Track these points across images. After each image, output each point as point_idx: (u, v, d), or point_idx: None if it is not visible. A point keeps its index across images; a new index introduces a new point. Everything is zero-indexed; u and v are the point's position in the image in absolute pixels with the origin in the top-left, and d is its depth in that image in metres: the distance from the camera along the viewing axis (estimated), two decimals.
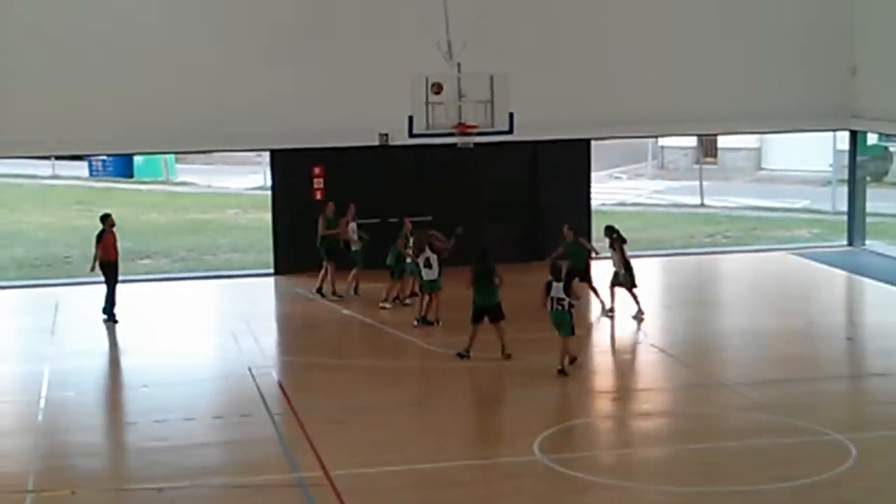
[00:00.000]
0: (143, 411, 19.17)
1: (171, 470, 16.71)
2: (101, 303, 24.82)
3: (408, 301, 25.39)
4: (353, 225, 26.38)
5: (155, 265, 32.61)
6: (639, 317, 24.17)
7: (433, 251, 23.68)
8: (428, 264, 23.75)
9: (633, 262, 24.85)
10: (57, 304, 26.65)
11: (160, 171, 49.63)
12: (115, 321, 24.59)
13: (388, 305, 25.41)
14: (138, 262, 33.08)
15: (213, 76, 27.82)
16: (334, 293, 26.40)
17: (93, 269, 24.84)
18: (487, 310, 21.55)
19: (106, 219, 25.07)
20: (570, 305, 20.52)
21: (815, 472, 16.03)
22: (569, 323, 20.60)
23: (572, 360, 20.78)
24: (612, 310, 24.58)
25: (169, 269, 31.51)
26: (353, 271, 26.42)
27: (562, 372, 20.49)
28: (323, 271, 26.60)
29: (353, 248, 26.36)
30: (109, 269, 24.82)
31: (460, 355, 21.56)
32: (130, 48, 27.54)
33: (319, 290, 26.57)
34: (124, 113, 27.46)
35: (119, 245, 25.22)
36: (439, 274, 23.66)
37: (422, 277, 23.86)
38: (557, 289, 20.51)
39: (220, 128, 27.95)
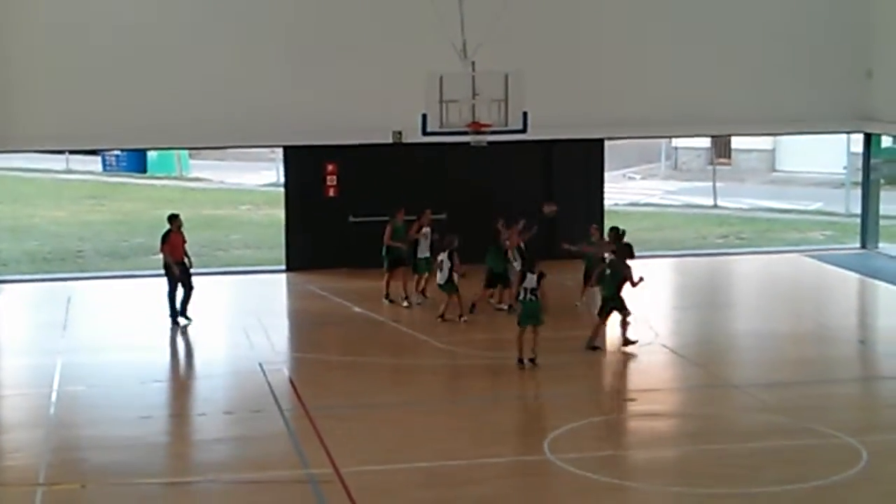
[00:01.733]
0: (155, 406, 19.21)
1: (181, 465, 16.75)
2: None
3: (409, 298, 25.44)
4: (426, 230, 25.58)
5: None
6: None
7: (448, 257, 24.01)
8: (440, 267, 23.92)
9: (645, 262, 24.74)
10: (69, 297, 26.72)
11: (174, 167, 49.72)
12: (189, 319, 24.05)
13: (412, 300, 25.46)
14: (151, 258, 33.15)
15: (227, 72, 27.87)
16: (406, 299, 25.48)
17: (175, 272, 23.93)
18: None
19: (173, 220, 24.36)
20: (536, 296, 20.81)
21: (826, 474, 16.00)
22: (539, 314, 20.77)
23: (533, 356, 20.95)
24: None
25: None
26: (419, 277, 25.85)
27: (533, 361, 20.84)
28: (387, 277, 25.61)
29: (421, 256, 25.53)
30: (184, 269, 24.15)
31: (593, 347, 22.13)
32: (146, 44, 27.61)
33: (387, 297, 25.64)
34: (138, 108, 27.52)
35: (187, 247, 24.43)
36: (448, 280, 23.96)
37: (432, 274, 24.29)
38: (531, 280, 20.73)
39: (233, 124, 28.02)
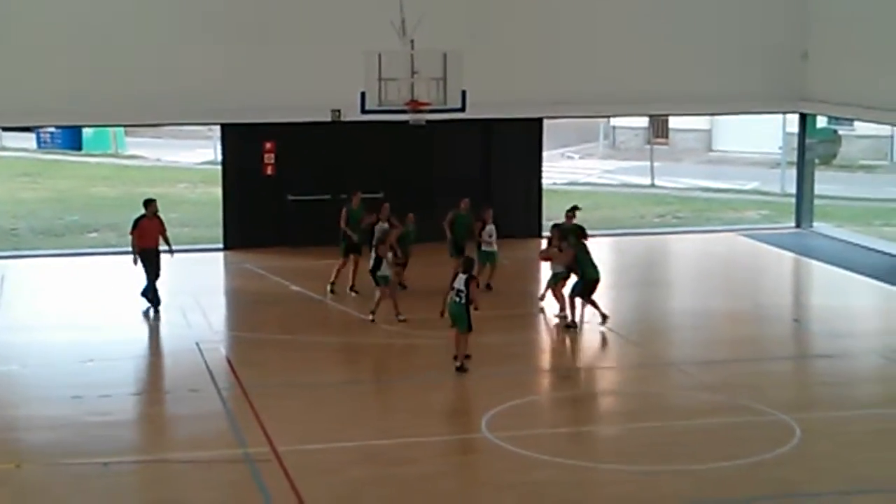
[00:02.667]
0: (89, 385, 19.01)
1: (116, 445, 16.61)
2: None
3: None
4: (384, 226, 24.16)
5: (102, 239, 32.36)
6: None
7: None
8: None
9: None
10: (3, 276, 26.39)
11: (109, 144, 49.22)
12: (156, 306, 23.31)
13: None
14: (86, 236, 32.85)
15: (164, 50, 27.60)
16: (352, 288, 24.46)
17: (135, 262, 23.19)
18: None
19: (147, 204, 23.52)
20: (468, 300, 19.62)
21: (760, 451, 16.16)
22: (465, 318, 19.59)
23: (466, 357, 19.79)
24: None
25: (117, 243, 31.19)
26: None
27: (460, 369, 19.59)
28: (339, 265, 24.57)
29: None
30: (146, 257, 23.26)
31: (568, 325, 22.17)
32: (81, 20, 27.30)
33: (332, 288, 24.63)
34: (73, 84, 27.18)
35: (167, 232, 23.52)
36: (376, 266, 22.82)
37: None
38: (460, 280, 19.69)
39: (170, 101, 27.76)
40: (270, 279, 26.19)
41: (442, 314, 19.83)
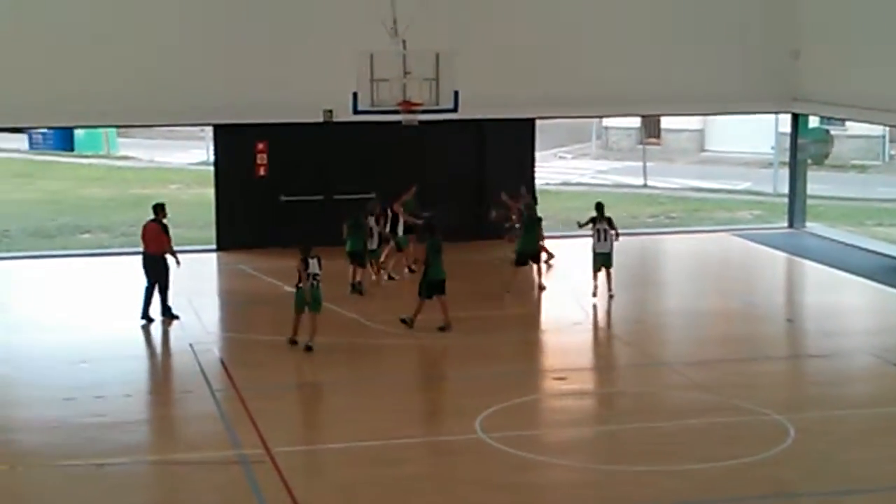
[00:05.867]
0: (82, 387, 18.99)
1: (110, 446, 16.59)
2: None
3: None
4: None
5: (95, 240, 32.35)
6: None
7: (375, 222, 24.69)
8: (370, 234, 24.60)
9: (576, 242, 24.93)
10: None
11: (101, 145, 49.19)
12: (172, 317, 22.65)
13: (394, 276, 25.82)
14: (78, 237, 32.84)
15: (157, 50, 27.54)
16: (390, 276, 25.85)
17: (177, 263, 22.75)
18: (440, 284, 21.62)
19: (155, 210, 22.87)
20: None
21: (753, 451, 16.18)
22: (320, 300, 20.88)
23: (311, 338, 20.89)
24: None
25: (109, 244, 31.26)
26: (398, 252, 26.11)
27: (309, 349, 20.68)
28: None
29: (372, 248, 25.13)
30: (146, 263, 22.75)
31: (404, 321, 21.74)
32: (73, 21, 27.23)
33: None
34: (65, 85, 27.10)
35: (170, 237, 22.85)
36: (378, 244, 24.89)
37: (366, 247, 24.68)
38: (313, 265, 20.76)
39: (162, 102, 27.71)
40: (263, 280, 26.17)
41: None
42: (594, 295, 24.22)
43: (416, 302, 21.82)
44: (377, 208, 25.14)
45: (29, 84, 27.02)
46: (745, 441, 16.61)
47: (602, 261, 24.27)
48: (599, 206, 24.48)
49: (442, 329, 21.72)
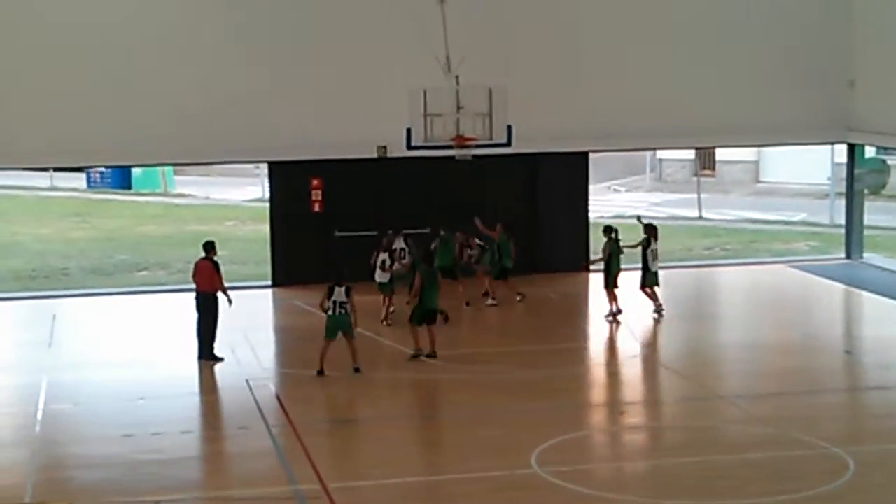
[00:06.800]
0: (140, 423, 19.13)
1: (168, 483, 16.68)
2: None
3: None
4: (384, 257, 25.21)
5: (152, 277, 32.60)
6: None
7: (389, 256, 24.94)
8: (383, 266, 24.69)
9: (629, 274, 25.01)
10: (54, 315, 26.63)
11: (159, 183, 49.62)
12: (215, 359, 22.50)
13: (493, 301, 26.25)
14: (136, 275, 33.10)
15: (212, 89, 27.81)
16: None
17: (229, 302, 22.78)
18: (431, 313, 22.18)
19: (206, 247, 22.83)
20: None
21: (813, 485, 16.02)
22: (350, 326, 21.29)
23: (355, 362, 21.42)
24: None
25: (166, 281, 31.47)
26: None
27: (357, 370, 21.30)
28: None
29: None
30: (196, 301, 22.73)
31: (429, 356, 22.06)
32: (130, 61, 27.55)
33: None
34: (123, 125, 27.46)
35: (221, 276, 22.72)
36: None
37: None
38: (339, 293, 21.08)
39: (218, 140, 27.98)
40: (318, 315, 26.16)
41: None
42: (662, 312, 25.17)
43: (412, 330, 22.29)
44: (392, 242, 25.45)
45: (88, 124, 27.37)
46: (804, 475, 16.45)
47: (655, 279, 25.32)
48: (653, 228, 25.37)
49: (429, 356, 22.11)
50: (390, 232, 25.78)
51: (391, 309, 24.89)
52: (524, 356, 21.84)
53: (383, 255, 24.94)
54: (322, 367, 21.25)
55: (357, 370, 21.28)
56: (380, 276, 24.86)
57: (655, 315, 25.19)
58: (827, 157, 42.11)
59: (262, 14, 28.08)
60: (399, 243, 25.66)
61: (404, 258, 25.50)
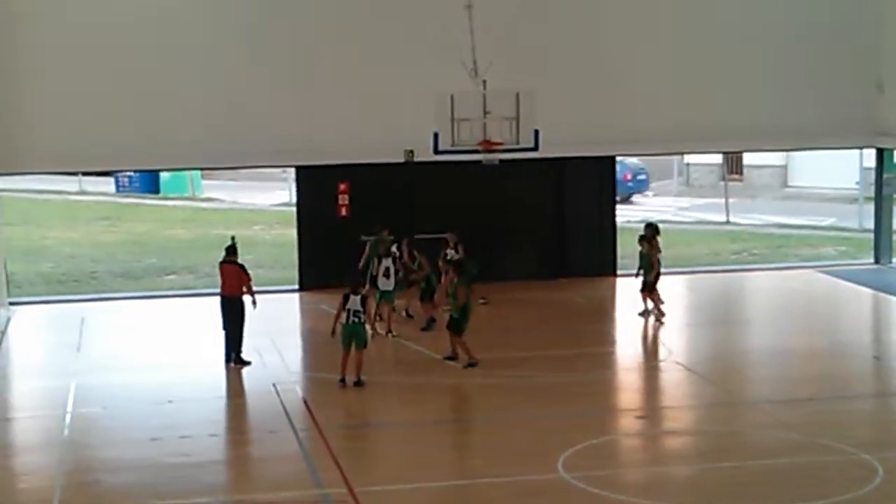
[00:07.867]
0: (168, 427, 19.20)
1: (195, 486, 16.74)
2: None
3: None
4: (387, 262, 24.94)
5: (180, 281, 32.71)
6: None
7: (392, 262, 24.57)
8: (387, 273, 24.38)
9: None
10: (83, 319, 26.75)
11: (186, 187, 49.81)
12: (243, 363, 22.50)
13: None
14: (164, 278, 33.22)
15: (239, 93, 27.90)
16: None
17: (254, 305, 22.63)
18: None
19: (229, 250, 22.84)
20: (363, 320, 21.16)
21: (842, 491, 15.94)
22: (363, 336, 21.10)
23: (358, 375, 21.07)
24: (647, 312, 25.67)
25: (194, 285, 31.58)
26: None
27: (358, 383, 20.94)
28: None
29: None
30: (223, 304, 22.64)
31: (471, 364, 21.91)
32: (158, 65, 27.67)
33: None
34: (151, 129, 27.58)
35: (250, 279, 22.60)
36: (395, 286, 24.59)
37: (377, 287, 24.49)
38: (354, 301, 20.85)
39: (245, 144, 28.06)
40: None
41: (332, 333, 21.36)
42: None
43: (457, 342, 22.12)
44: (401, 245, 25.41)
45: (116, 129, 27.49)
46: (832, 481, 16.38)
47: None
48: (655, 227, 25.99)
49: (471, 364, 21.98)
50: (387, 236, 25.56)
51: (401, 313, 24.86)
52: (551, 360, 21.79)
53: (386, 262, 24.61)
54: (344, 375, 21.20)
55: (357, 383, 20.98)
56: (383, 284, 24.45)
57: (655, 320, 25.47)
58: (855, 162, 41.90)
59: (289, 20, 28.12)
60: (395, 249, 25.23)
61: (413, 265, 25.17)
